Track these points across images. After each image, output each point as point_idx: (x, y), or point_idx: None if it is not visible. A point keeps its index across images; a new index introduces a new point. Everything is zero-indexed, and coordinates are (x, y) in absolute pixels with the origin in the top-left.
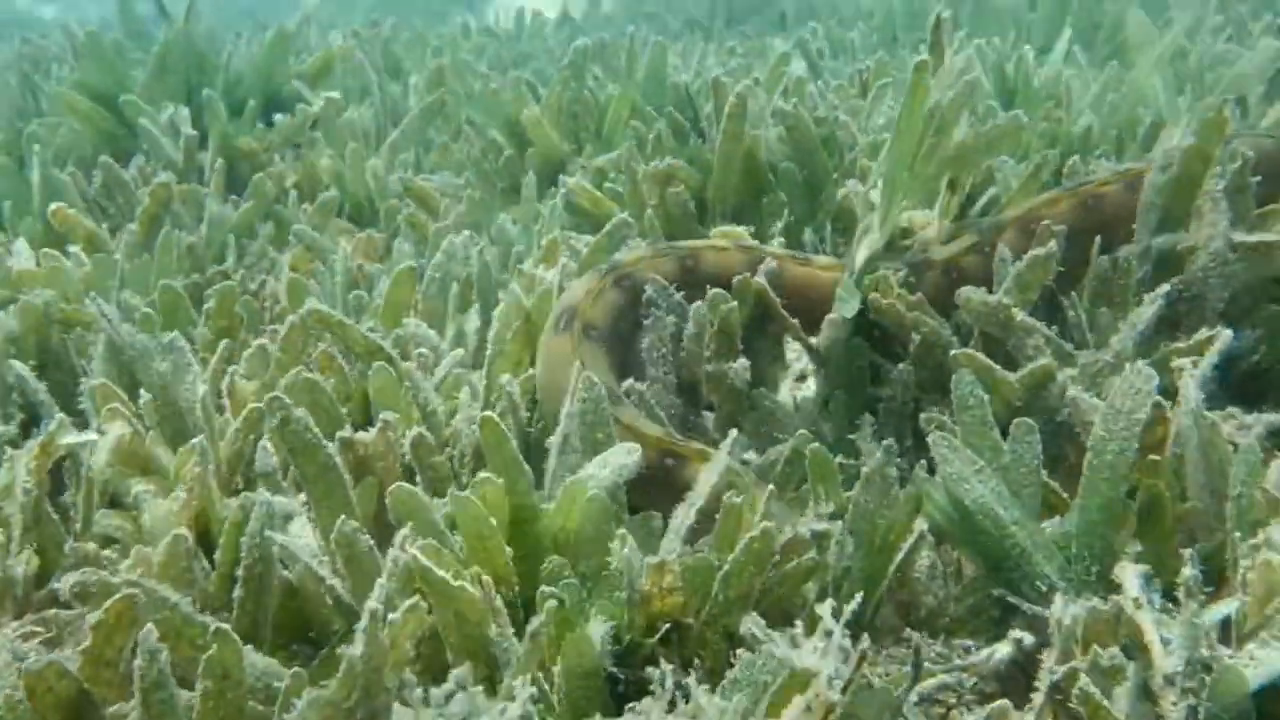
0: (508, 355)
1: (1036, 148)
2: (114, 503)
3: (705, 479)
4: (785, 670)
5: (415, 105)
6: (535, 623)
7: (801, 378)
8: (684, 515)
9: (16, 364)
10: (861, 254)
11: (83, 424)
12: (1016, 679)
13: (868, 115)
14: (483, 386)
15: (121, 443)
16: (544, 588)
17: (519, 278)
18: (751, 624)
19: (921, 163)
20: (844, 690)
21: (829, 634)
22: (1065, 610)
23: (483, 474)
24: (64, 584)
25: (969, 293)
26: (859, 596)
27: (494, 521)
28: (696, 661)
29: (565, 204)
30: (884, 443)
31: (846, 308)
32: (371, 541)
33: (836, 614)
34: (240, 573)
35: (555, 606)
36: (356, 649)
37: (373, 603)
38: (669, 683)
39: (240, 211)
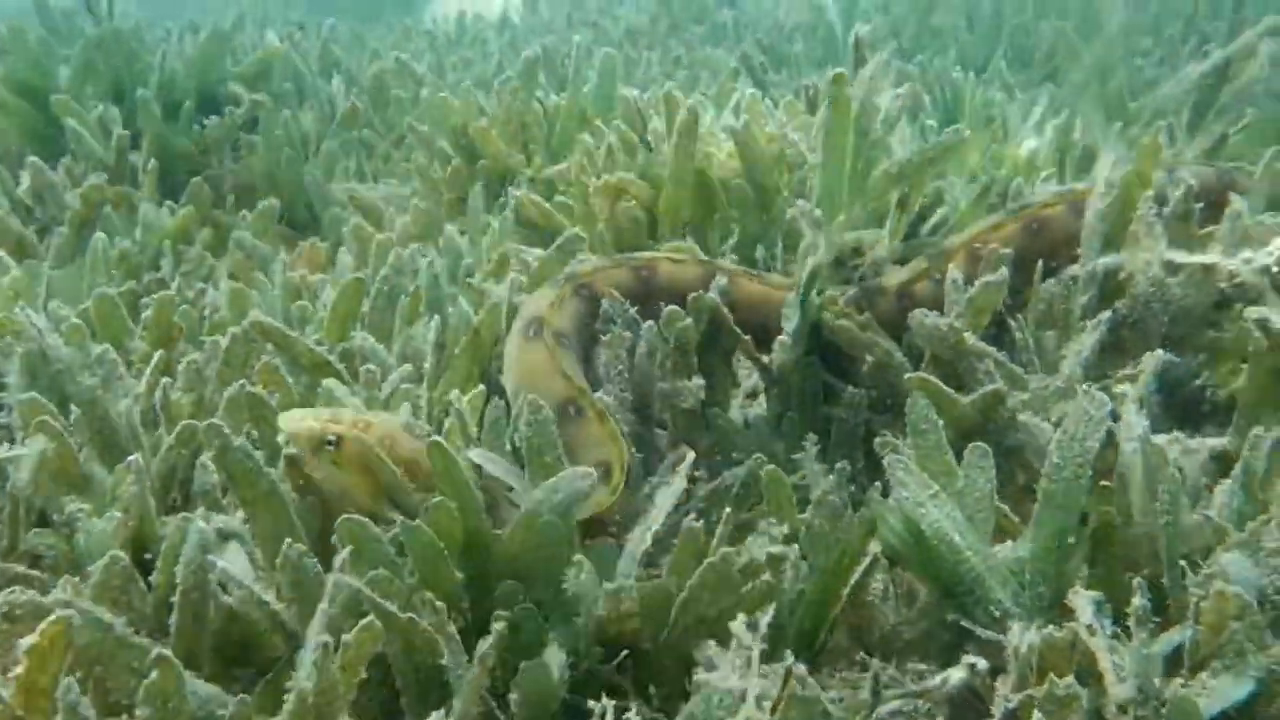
0: (456, 370)
1: (983, 169)
2: (42, 520)
3: (662, 503)
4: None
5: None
6: (483, 645)
7: (752, 395)
8: (639, 540)
9: None
10: (806, 270)
11: (5, 436)
12: (970, 704)
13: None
14: (425, 402)
15: (47, 458)
16: (497, 611)
17: (467, 291)
18: (709, 650)
19: (862, 179)
20: (773, 711)
21: (748, 651)
22: (1022, 638)
23: (435, 499)
24: None
25: (921, 316)
26: (771, 611)
27: (444, 548)
28: (652, 689)
29: (515, 216)
30: (836, 465)
31: (790, 325)
32: (318, 565)
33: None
34: (177, 597)
35: (505, 630)
36: (307, 681)
37: (323, 635)
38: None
39: (177, 217)
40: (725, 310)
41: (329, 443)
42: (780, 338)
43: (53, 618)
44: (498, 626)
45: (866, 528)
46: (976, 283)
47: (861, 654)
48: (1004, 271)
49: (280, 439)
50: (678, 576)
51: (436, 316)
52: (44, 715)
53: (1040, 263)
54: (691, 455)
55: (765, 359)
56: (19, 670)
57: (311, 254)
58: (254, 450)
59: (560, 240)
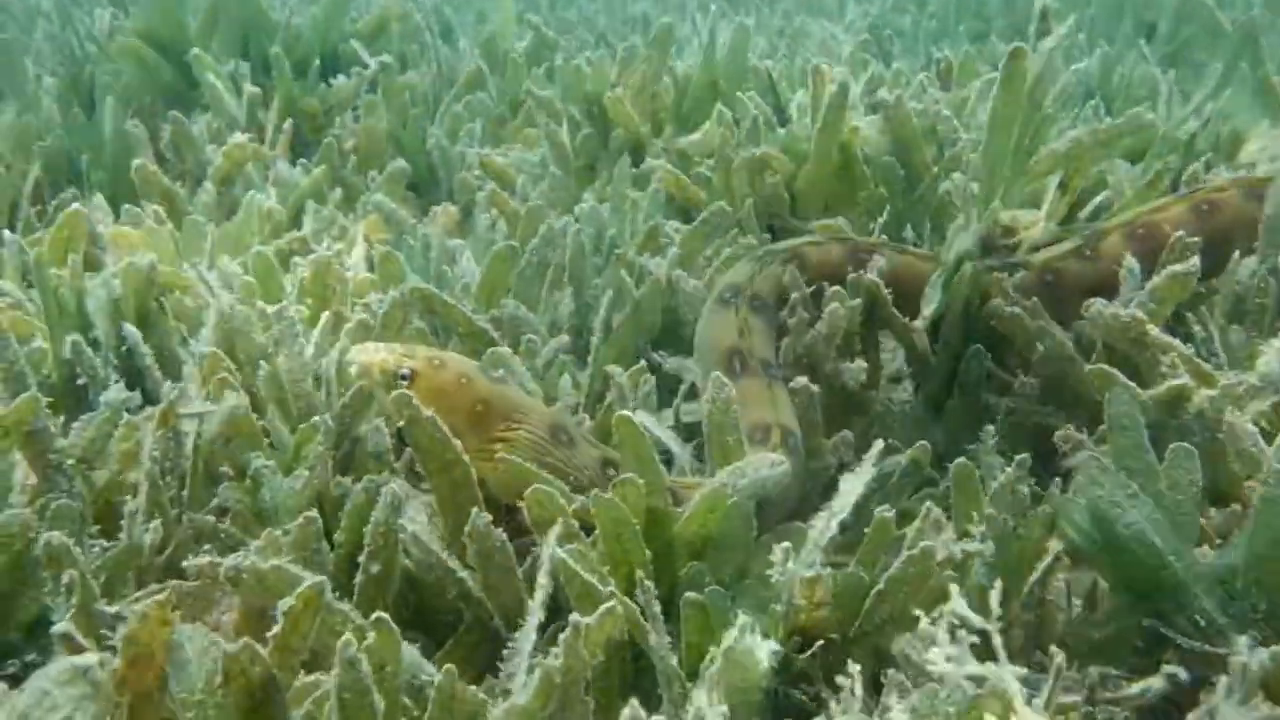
0: (614, 344)
1: (1155, 152)
2: (212, 476)
3: (849, 490)
4: (969, 695)
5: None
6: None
7: (895, 379)
8: (825, 526)
9: (130, 328)
10: (953, 252)
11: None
12: (1165, 714)
13: (972, 110)
14: (588, 376)
15: (234, 414)
16: (688, 594)
17: (617, 265)
18: (906, 644)
19: (1026, 157)
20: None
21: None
22: (1252, 656)
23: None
24: (222, 565)
25: (1100, 306)
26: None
27: (635, 523)
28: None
29: (625, 186)
30: (1017, 457)
31: (930, 307)
32: (504, 535)
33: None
34: (364, 557)
35: (695, 612)
36: (555, 660)
37: (541, 612)
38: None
39: (311, 176)
40: (884, 293)
41: (402, 377)
42: (918, 320)
43: (308, 583)
44: (688, 608)
45: (1046, 523)
46: (1161, 272)
47: (1039, 654)
48: (1194, 261)
49: (352, 370)
50: (866, 567)
51: (609, 291)
52: (291, 671)
53: (1235, 255)
54: (881, 444)
55: (920, 343)
56: (276, 630)
57: (445, 218)
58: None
59: (705, 213)
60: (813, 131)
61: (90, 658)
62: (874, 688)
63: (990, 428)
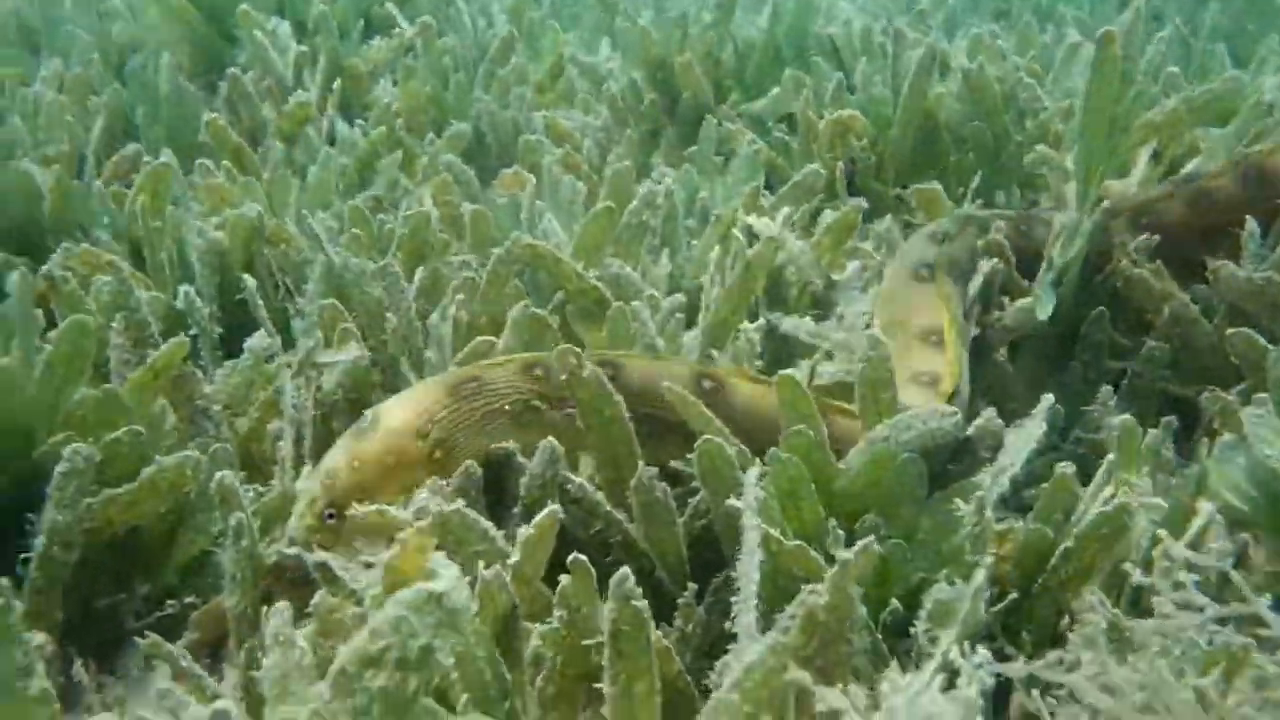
0: (726, 303)
1: (1247, 116)
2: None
3: (1018, 446)
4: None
5: (501, 34)
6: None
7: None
8: (995, 483)
9: (248, 278)
10: (1059, 253)
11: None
12: None
13: (1054, 77)
14: (701, 331)
15: (357, 365)
16: (869, 547)
17: (720, 225)
18: (1095, 600)
19: (1121, 130)
20: None
21: None
22: None
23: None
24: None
25: (1229, 268)
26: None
27: (810, 479)
28: (1025, 635)
29: (711, 150)
30: (1164, 420)
31: (1043, 309)
32: (668, 488)
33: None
34: (518, 510)
35: (880, 565)
36: (818, 598)
37: (844, 552)
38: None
39: (370, 137)
40: (1010, 254)
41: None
42: (1036, 287)
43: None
44: (870, 561)
45: (1195, 485)
46: None
47: None
48: None
49: None
50: (1044, 524)
51: (714, 250)
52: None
53: None
54: (1051, 399)
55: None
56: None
57: (513, 180)
58: None
59: (799, 176)
60: (890, 94)
61: (443, 584)
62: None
63: (1108, 388)
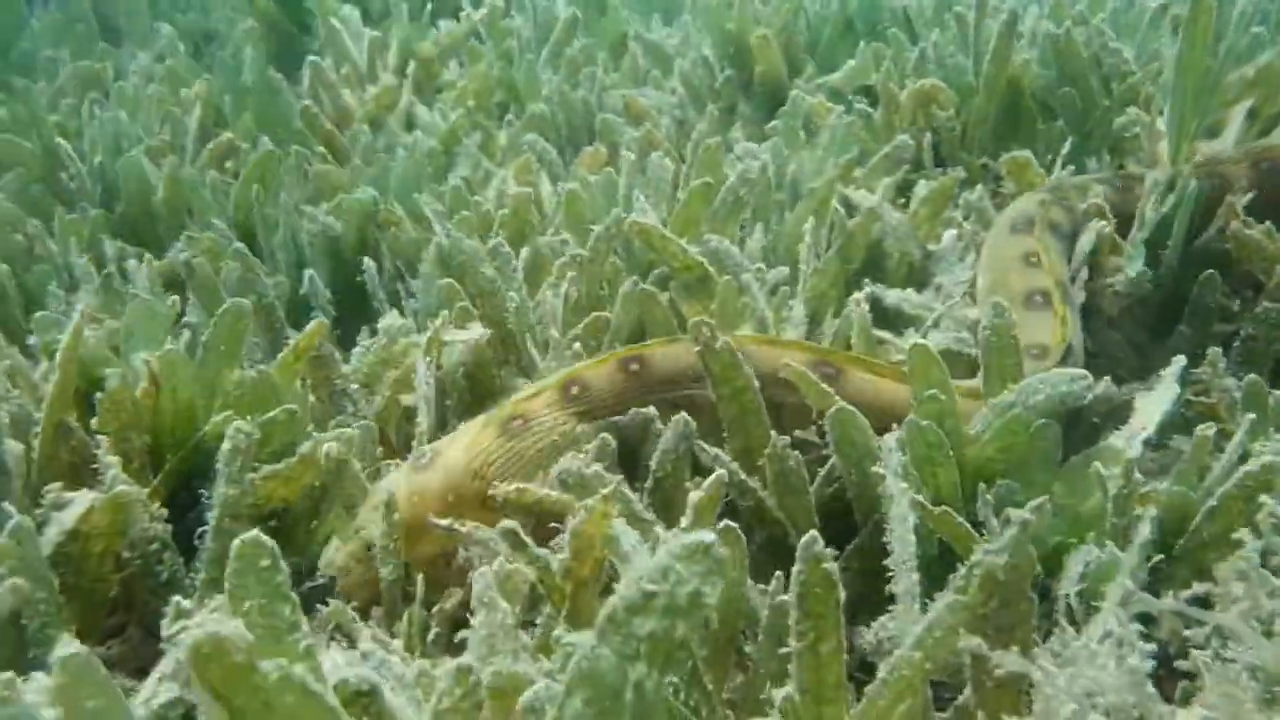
0: (824, 275)
1: None
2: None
3: (1151, 409)
4: None
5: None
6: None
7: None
8: (1130, 446)
9: (368, 261)
10: (1152, 211)
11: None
12: None
13: (1141, 39)
14: (802, 303)
15: (478, 344)
16: (1011, 511)
17: (814, 198)
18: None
19: (1212, 92)
20: None
21: None
22: None
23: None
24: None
25: None
26: None
27: (947, 444)
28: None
29: (798, 124)
30: None
31: (1133, 266)
32: (800, 457)
33: None
34: (649, 483)
35: (1019, 531)
36: (996, 557)
37: (1022, 513)
38: None
39: (451, 121)
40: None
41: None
42: (1128, 245)
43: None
44: (1013, 529)
45: None
46: None
47: None
48: None
49: None
50: (1185, 485)
51: (808, 222)
52: None
53: None
54: (1183, 361)
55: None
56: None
57: (594, 158)
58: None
59: (887, 148)
60: (970, 63)
61: (709, 534)
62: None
63: (1218, 350)
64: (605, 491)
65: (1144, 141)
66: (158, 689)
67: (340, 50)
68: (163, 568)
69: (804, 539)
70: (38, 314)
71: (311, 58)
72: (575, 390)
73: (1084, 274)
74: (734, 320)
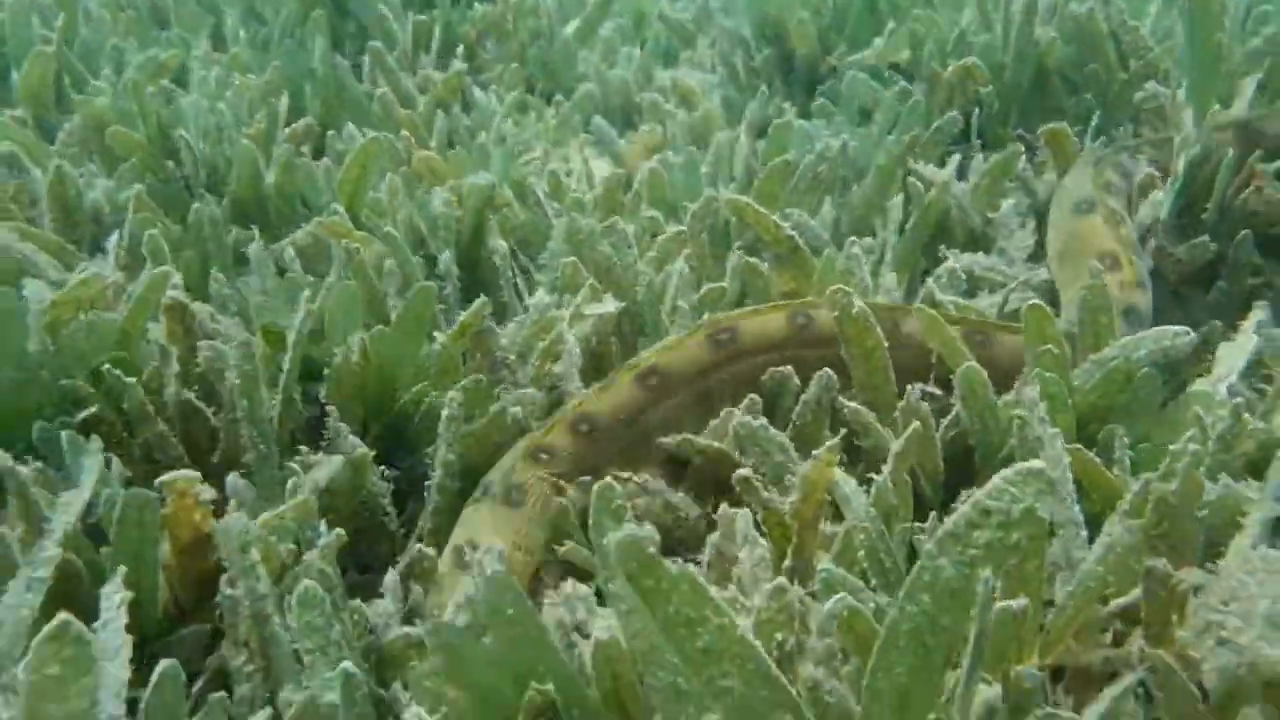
0: (907, 244)
1: None
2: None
3: (1232, 360)
4: None
5: None
6: None
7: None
8: (1217, 389)
9: (499, 242)
10: (1182, 160)
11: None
12: None
13: (1155, 18)
14: (894, 270)
15: (606, 318)
16: (1120, 452)
17: (883, 173)
18: None
19: (1223, 61)
20: None
21: None
22: None
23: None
24: None
25: None
26: None
27: (1066, 395)
28: None
29: (855, 102)
30: None
31: (1165, 210)
32: (928, 408)
33: None
34: (791, 432)
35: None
36: (1170, 484)
37: (1193, 444)
38: None
39: (505, 102)
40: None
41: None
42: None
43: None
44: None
45: None
46: None
47: None
48: None
49: None
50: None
51: (881, 194)
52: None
53: None
54: (1264, 310)
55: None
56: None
57: (648, 139)
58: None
59: (939, 123)
60: (1000, 41)
61: (1039, 463)
62: None
63: (1264, 303)
64: (831, 443)
65: (1168, 110)
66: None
67: (388, 34)
68: (387, 519)
69: None
70: (256, 298)
71: (372, 43)
72: (653, 381)
73: (1151, 242)
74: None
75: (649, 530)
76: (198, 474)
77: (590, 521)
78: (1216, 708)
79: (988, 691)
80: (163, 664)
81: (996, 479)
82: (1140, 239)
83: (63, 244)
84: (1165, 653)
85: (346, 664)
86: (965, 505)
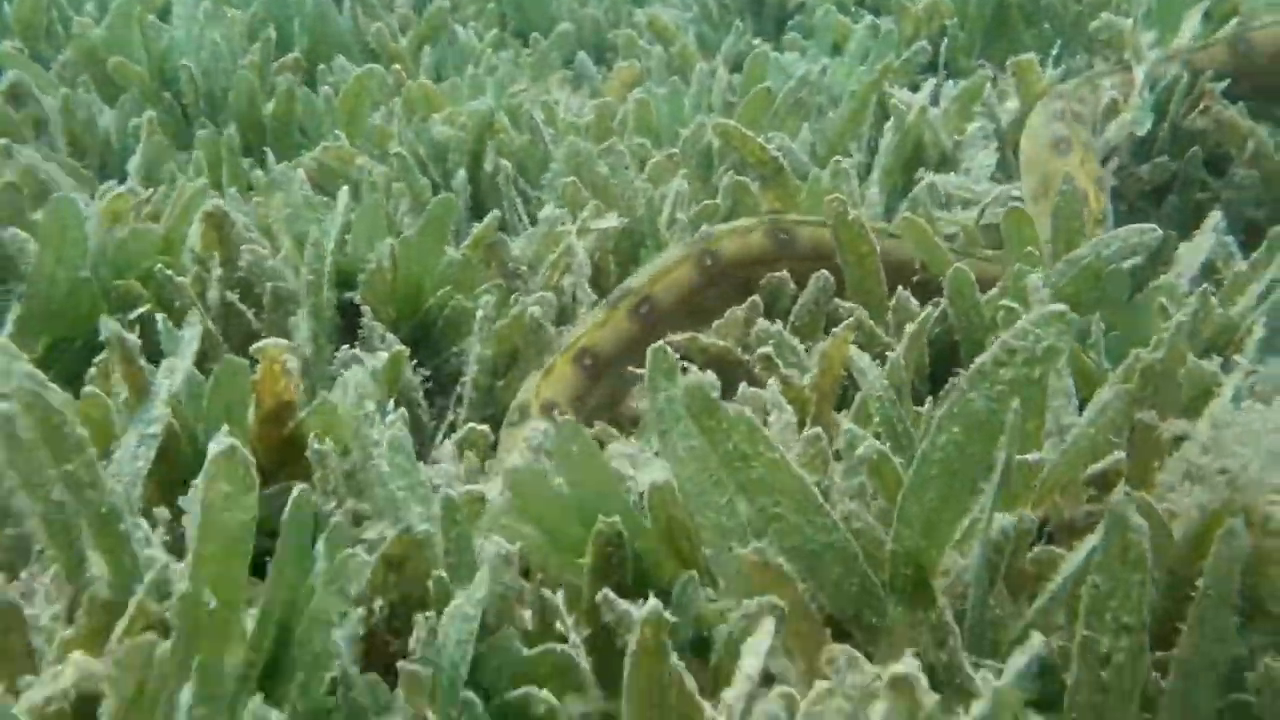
0: (888, 166)
1: None
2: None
3: (1192, 256)
4: None
5: None
6: None
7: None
8: (1178, 282)
9: (503, 161)
10: (1141, 72)
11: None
12: None
13: None
14: (878, 188)
15: (609, 233)
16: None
17: (859, 98)
18: None
19: None
20: None
21: None
22: None
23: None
24: None
25: None
26: None
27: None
28: None
29: (830, 33)
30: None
31: (1141, 124)
32: (918, 304)
33: None
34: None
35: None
36: (1158, 353)
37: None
38: None
39: (485, 39)
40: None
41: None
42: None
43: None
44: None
45: None
46: None
47: None
48: None
49: None
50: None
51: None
52: None
53: None
54: (1219, 215)
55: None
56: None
57: (626, 74)
58: None
59: (907, 54)
60: None
61: (1061, 306)
62: None
63: (1217, 214)
64: (849, 321)
65: (1127, 38)
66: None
67: None
68: (420, 411)
69: None
70: (284, 211)
71: None
72: (644, 309)
73: (1114, 163)
74: (817, 205)
75: (711, 377)
76: (286, 342)
77: (647, 382)
78: (1187, 544)
79: (1002, 519)
80: (297, 488)
81: (1021, 322)
82: (1103, 160)
83: (78, 168)
84: (1145, 494)
85: (448, 491)
86: (993, 346)
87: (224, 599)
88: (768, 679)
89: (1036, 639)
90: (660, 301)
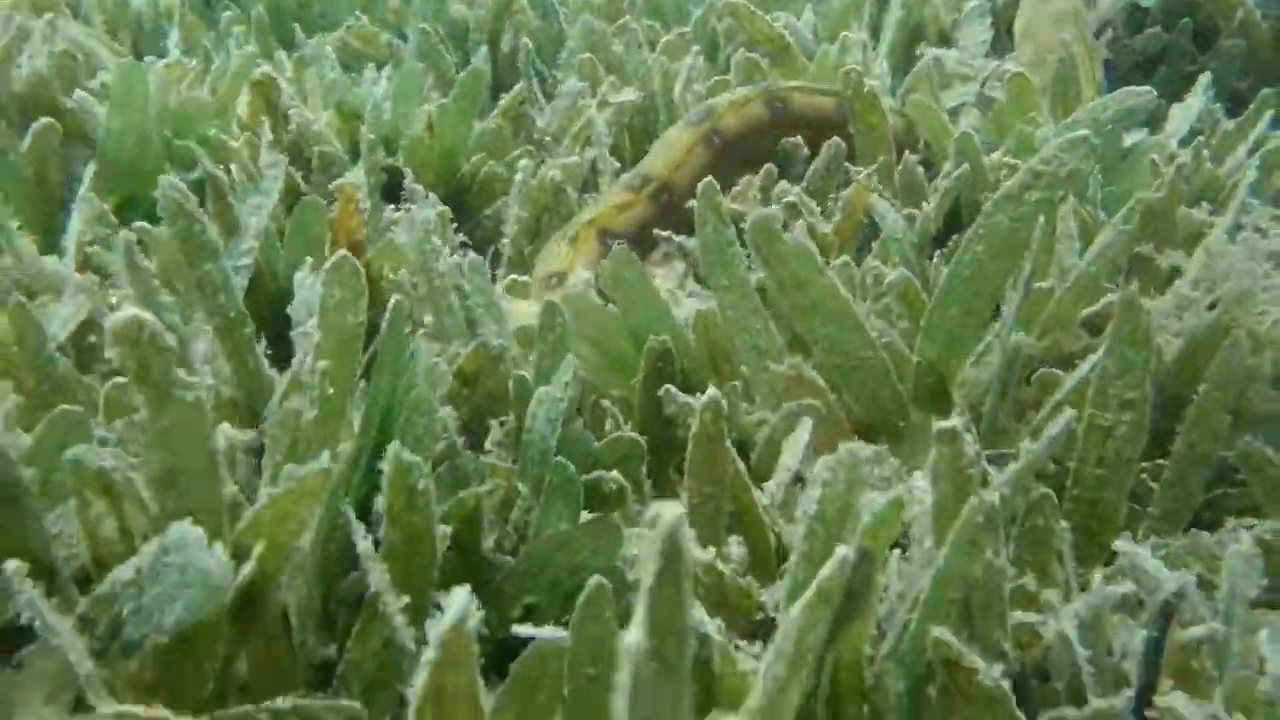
0: (898, 37)
1: None
2: None
3: (1182, 118)
4: None
5: None
6: None
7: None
8: (1167, 141)
9: (527, 41)
10: None
11: None
12: None
13: None
14: (885, 61)
15: (626, 106)
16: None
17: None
18: None
19: None
20: None
21: None
22: None
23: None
24: None
25: None
26: None
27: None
28: None
29: None
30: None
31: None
32: (922, 170)
33: None
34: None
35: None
36: (1158, 194)
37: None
38: None
39: None
40: None
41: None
42: None
43: None
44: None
45: None
46: None
47: None
48: None
49: None
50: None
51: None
52: None
53: None
54: (1209, 77)
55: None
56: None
57: None
58: None
59: None
60: None
61: (1085, 130)
62: None
63: (1207, 77)
64: (870, 169)
65: None
66: None
67: None
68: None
69: None
70: (326, 79)
71: None
72: (660, 191)
73: (1108, 34)
74: (830, 77)
75: (776, 210)
76: (362, 180)
77: (696, 216)
78: (1178, 365)
79: (1020, 336)
80: (393, 298)
81: (1046, 148)
82: (1096, 33)
83: (115, 46)
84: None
85: (532, 307)
86: (1020, 171)
87: (339, 388)
88: (798, 481)
89: (1068, 412)
90: (678, 187)
